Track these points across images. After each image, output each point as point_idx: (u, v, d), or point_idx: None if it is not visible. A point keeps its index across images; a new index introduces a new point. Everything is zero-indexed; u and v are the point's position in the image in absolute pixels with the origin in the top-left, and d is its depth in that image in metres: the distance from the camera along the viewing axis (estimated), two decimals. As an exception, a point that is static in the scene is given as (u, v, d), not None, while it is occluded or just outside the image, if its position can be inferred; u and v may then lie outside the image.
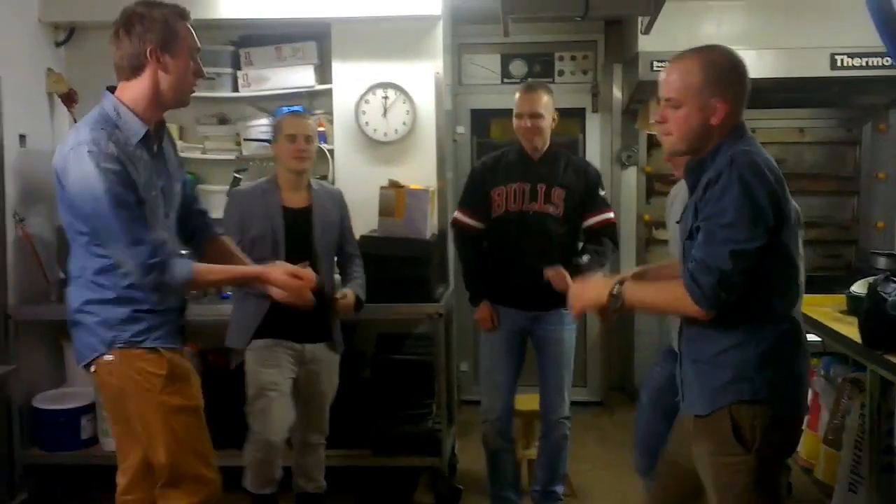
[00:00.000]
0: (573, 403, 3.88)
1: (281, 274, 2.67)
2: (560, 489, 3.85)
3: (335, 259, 3.70)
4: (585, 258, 3.59)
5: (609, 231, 3.75)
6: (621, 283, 2.33)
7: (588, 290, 2.42)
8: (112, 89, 2.50)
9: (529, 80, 3.92)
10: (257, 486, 3.49)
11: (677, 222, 2.52)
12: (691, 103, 2.21)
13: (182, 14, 2.48)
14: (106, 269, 2.44)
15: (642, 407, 3.46)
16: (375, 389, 4.29)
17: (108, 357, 2.47)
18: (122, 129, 2.41)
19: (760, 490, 2.20)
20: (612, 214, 3.77)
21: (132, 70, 2.44)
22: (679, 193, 3.05)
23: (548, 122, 3.64)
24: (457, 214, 3.86)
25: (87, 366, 2.53)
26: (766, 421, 2.19)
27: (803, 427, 2.66)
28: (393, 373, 4.31)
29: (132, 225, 2.36)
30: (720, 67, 2.22)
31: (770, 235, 2.12)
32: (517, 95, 3.69)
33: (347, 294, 3.57)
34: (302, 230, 3.49)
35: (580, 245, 3.74)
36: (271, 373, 3.43)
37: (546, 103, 3.63)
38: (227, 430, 3.60)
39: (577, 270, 3.40)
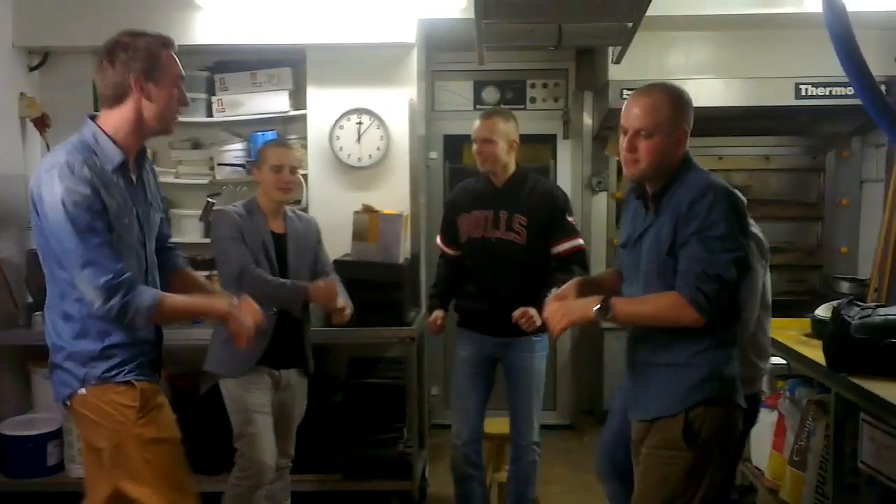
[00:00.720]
0: (543, 427, 3.88)
1: (247, 317, 2.60)
2: None
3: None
4: (554, 291, 3.59)
5: (578, 258, 3.69)
6: (607, 298, 2.44)
7: (572, 308, 2.51)
8: (94, 117, 2.50)
9: (491, 107, 3.91)
10: None
11: (622, 246, 2.70)
12: (663, 133, 2.43)
13: (166, 43, 2.48)
14: (75, 299, 2.41)
15: (613, 415, 3.46)
16: (347, 413, 4.30)
17: (82, 391, 2.44)
18: (98, 155, 2.40)
19: (693, 482, 2.40)
20: (580, 241, 3.71)
21: (115, 99, 2.44)
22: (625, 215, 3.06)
23: (501, 147, 3.60)
24: (438, 241, 3.94)
25: (63, 402, 2.50)
26: (717, 422, 2.41)
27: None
28: (364, 397, 4.32)
29: (95, 250, 2.33)
30: (683, 102, 2.48)
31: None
32: (475, 122, 3.69)
33: (346, 307, 3.55)
34: (279, 256, 3.51)
35: (551, 271, 3.73)
36: (258, 395, 3.40)
37: (501, 130, 3.60)
38: (197, 456, 3.58)
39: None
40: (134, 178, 2.52)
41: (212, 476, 3.92)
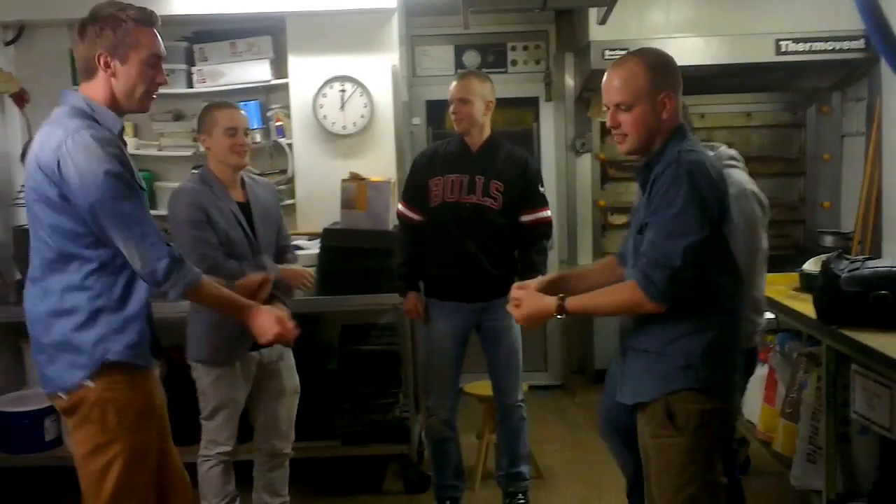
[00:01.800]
0: (535, 387, 3.93)
1: (270, 320, 2.56)
2: (526, 469, 3.90)
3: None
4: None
5: (543, 230, 3.74)
6: (562, 298, 2.39)
7: (535, 303, 2.45)
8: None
9: (465, 69, 3.89)
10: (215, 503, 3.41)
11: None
12: (644, 102, 2.32)
13: (146, 20, 2.37)
14: (74, 287, 2.32)
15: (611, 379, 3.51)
16: (342, 380, 4.32)
17: (88, 384, 2.35)
18: (100, 122, 2.33)
19: (693, 470, 2.32)
20: (548, 213, 3.73)
21: (86, 72, 2.38)
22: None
23: (477, 108, 3.58)
24: (399, 207, 3.83)
25: (67, 391, 2.39)
26: (703, 407, 2.31)
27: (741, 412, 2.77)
28: (359, 363, 4.34)
29: (145, 213, 2.30)
30: (661, 65, 2.35)
31: (713, 229, 2.22)
32: (452, 83, 3.66)
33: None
34: (249, 226, 3.34)
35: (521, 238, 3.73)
36: (225, 390, 3.32)
37: (477, 90, 3.57)
38: (190, 429, 3.58)
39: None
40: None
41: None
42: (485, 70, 5.76)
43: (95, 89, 2.37)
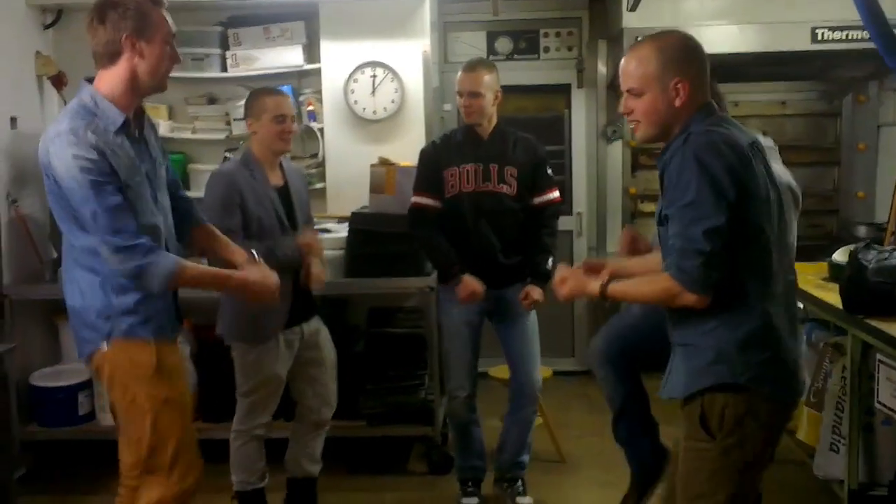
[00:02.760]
0: (560, 373, 3.94)
1: (259, 276, 2.68)
2: (527, 458, 3.90)
3: None
4: (550, 262, 3.64)
5: (552, 210, 3.74)
6: (608, 281, 2.34)
7: (580, 283, 2.43)
8: (91, 80, 2.51)
9: (472, 58, 3.84)
10: (244, 478, 3.51)
11: None
12: (654, 89, 2.23)
13: (156, 1, 2.47)
14: (95, 255, 2.45)
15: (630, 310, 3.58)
16: (369, 362, 4.37)
17: (104, 347, 2.51)
18: (100, 117, 2.42)
19: (721, 480, 2.21)
20: (557, 193, 3.74)
21: (109, 58, 2.45)
22: None
23: (488, 100, 3.59)
24: (415, 199, 3.75)
25: (87, 358, 2.58)
26: (740, 409, 2.18)
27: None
28: (386, 345, 4.39)
29: (110, 213, 2.37)
30: (675, 49, 2.25)
31: (731, 212, 2.10)
32: (458, 74, 3.65)
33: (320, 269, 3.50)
34: (286, 210, 3.45)
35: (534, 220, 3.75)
36: (269, 366, 3.40)
37: (487, 81, 3.58)
38: (221, 407, 3.77)
39: (545, 276, 3.54)
40: (137, 135, 2.55)
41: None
42: (517, 56, 5.79)
43: (113, 76, 2.46)
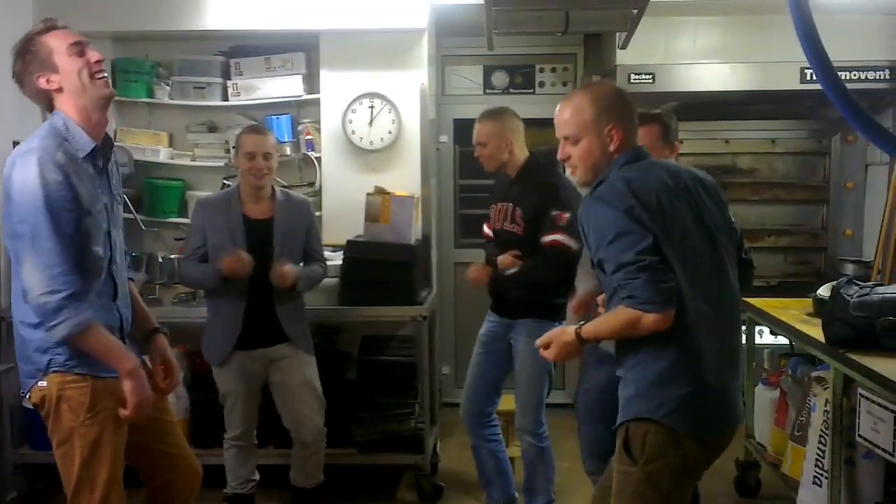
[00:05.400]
0: (552, 405, 3.97)
1: (138, 387, 2.47)
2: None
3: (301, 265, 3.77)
4: (511, 271, 3.70)
5: (553, 252, 3.60)
6: (580, 326, 2.42)
7: (558, 337, 2.48)
8: None
9: (484, 109, 3.91)
10: (230, 481, 3.85)
11: None
12: (590, 135, 2.38)
13: (47, 28, 2.50)
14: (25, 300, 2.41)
15: (580, 415, 3.57)
16: (361, 390, 4.41)
17: (42, 383, 2.47)
18: (70, 142, 2.45)
19: (643, 502, 2.32)
20: (556, 237, 3.59)
21: (45, 102, 2.51)
22: None
23: (494, 147, 3.70)
24: (485, 229, 3.97)
25: (27, 394, 2.52)
26: (660, 438, 2.29)
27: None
28: (377, 373, 4.43)
29: (51, 241, 2.34)
30: (608, 98, 2.41)
31: (654, 232, 2.23)
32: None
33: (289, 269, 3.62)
34: (263, 241, 3.62)
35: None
36: (228, 383, 3.73)
37: (489, 131, 3.70)
38: (213, 431, 3.90)
39: (504, 282, 3.70)
40: (101, 166, 2.56)
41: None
42: (513, 91, 5.89)
43: (65, 108, 2.50)
